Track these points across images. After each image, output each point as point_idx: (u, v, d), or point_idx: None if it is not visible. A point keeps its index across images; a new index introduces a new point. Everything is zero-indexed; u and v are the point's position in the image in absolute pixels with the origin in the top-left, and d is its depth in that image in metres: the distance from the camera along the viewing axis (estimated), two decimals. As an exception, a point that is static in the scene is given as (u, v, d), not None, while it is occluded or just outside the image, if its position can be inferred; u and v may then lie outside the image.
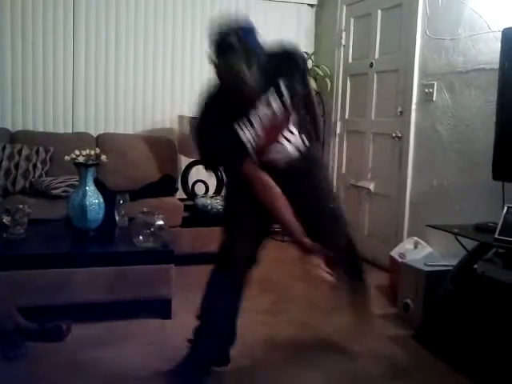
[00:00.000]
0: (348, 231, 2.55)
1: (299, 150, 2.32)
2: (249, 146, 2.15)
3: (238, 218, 2.32)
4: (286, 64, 2.22)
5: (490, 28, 3.13)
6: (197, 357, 2.31)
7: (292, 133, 2.29)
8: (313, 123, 2.52)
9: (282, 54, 2.25)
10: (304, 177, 2.34)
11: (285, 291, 3.32)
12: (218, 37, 2.01)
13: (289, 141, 2.28)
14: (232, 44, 1.97)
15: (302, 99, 2.35)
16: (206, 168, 2.50)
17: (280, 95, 2.17)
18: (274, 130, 2.23)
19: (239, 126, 2.13)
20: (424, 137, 3.70)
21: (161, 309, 2.99)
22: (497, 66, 2.75)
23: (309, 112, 2.48)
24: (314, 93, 2.65)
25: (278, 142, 2.26)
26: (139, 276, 2.93)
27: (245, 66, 1.99)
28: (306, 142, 2.36)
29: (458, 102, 3.40)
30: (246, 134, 2.14)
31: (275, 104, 2.17)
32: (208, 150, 2.25)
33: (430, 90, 3.60)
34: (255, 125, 2.15)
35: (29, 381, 2.32)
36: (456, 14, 3.39)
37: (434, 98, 3.58)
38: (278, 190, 2.17)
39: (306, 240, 2.15)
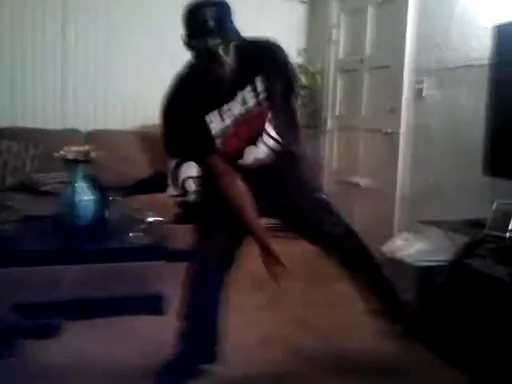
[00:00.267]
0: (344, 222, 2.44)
1: (274, 151, 2.16)
2: (217, 141, 2.04)
3: (212, 216, 2.23)
4: (268, 62, 2.06)
5: (480, 24, 3.14)
6: (181, 357, 2.29)
7: (269, 135, 2.14)
8: (292, 128, 2.32)
9: (265, 49, 2.10)
10: (280, 174, 2.21)
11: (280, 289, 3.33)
12: (192, 12, 1.86)
13: (265, 143, 2.14)
14: (207, 21, 1.81)
15: (284, 102, 2.19)
16: (170, 155, 2.37)
17: (257, 94, 2.03)
18: (249, 131, 2.09)
19: (209, 118, 2.02)
20: (415, 133, 3.72)
21: (153, 305, 2.98)
22: (487, 62, 2.76)
23: (289, 118, 2.27)
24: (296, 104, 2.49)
25: (254, 144, 2.11)
26: (131, 272, 2.92)
27: (221, 49, 1.86)
28: (281, 141, 2.18)
29: (449, 99, 3.41)
30: (216, 129, 2.03)
31: (251, 102, 2.03)
32: (174, 138, 2.15)
33: (421, 87, 3.61)
34: (227, 120, 2.03)
35: (23, 379, 2.30)
36: (447, 10, 3.40)
37: (425, 94, 3.59)
38: (241, 188, 2.08)
39: (268, 241, 2.12)
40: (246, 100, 2.03)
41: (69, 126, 4.48)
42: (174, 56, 4.69)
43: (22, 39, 4.34)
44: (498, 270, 2.51)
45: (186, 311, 2.31)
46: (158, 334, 2.76)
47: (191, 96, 2.03)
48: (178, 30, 4.83)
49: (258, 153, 2.13)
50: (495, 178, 2.74)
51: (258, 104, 2.05)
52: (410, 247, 3.37)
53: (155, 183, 4.11)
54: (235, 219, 2.15)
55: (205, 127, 2.03)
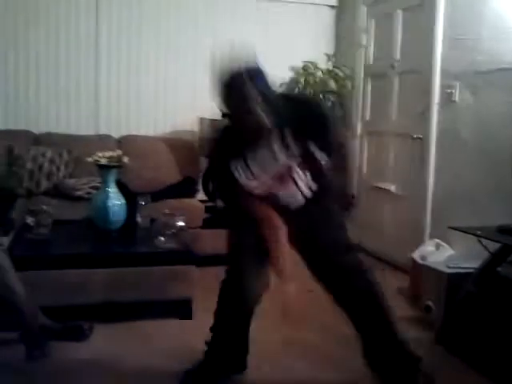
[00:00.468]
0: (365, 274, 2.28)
1: (309, 194, 2.22)
2: (246, 188, 2.14)
3: (243, 224, 2.24)
4: (302, 117, 2.10)
5: (512, 27, 3.09)
6: (210, 364, 2.33)
7: (301, 179, 2.19)
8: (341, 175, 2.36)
9: (301, 106, 2.17)
10: (311, 206, 2.24)
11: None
12: (228, 81, 1.97)
13: (298, 187, 2.19)
14: (244, 87, 1.93)
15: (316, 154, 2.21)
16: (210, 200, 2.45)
17: (286, 146, 2.10)
18: (279, 179, 2.16)
19: (236, 168, 2.12)
20: (446, 138, 3.67)
21: (182, 309, 3.01)
22: (520, 65, 2.72)
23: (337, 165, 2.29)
24: (346, 149, 2.39)
25: (286, 190, 2.18)
26: (160, 277, 2.95)
27: (259, 108, 1.96)
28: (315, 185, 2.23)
29: (481, 103, 3.36)
30: (242, 177, 2.13)
31: (280, 154, 2.11)
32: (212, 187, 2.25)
33: (452, 91, 3.57)
34: (253, 169, 2.13)
35: (52, 380, 2.35)
36: (478, 13, 3.36)
37: (456, 99, 3.55)
38: (283, 230, 2.12)
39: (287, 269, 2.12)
40: (274, 149, 2.10)
41: (101, 131, 4.56)
42: (205, 62, 4.78)
43: (56, 46, 4.45)
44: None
45: (218, 319, 2.34)
46: (186, 338, 2.79)
47: (225, 151, 2.17)
48: (211, 37, 4.86)
49: (293, 199, 2.19)
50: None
51: (287, 155, 2.11)
52: (440, 253, 3.34)
53: (184, 188, 4.15)
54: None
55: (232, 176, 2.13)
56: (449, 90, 3.60)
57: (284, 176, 2.16)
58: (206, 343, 2.35)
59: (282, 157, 2.12)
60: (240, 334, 2.37)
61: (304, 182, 2.20)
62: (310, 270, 2.27)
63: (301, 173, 2.18)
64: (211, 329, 2.36)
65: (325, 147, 2.20)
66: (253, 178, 2.13)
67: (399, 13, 4.21)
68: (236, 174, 2.13)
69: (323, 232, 2.24)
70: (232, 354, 2.36)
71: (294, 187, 2.18)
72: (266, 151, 2.11)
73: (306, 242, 2.23)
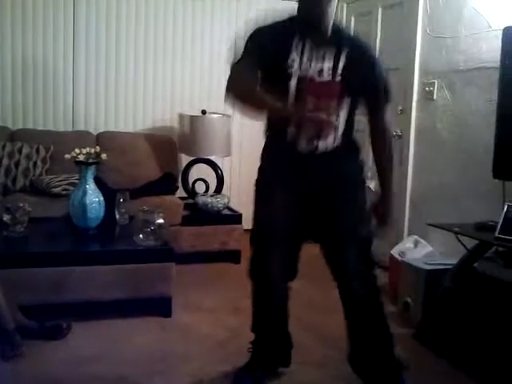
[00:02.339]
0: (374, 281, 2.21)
1: (336, 143, 2.07)
2: (293, 68, 1.97)
3: (269, 217, 2.14)
4: (359, 52, 2.06)
5: (490, 26, 3.12)
6: (253, 363, 2.34)
7: (336, 118, 2.03)
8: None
9: (363, 43, 2.13)
10: (336, 185, 2.10)
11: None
12: None
13: (330, 121, 2.00)
14: None
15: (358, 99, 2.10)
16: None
17: (336, 66, 1.99)
18: (316, 96, 1.98)
19: (296, 46, 1.99)
20: (425, 135, 3.70)
21: (161, 307, 3.00)
22: (498, 64, 2.74)
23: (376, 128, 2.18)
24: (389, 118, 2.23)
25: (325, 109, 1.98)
26: (139, 274, 2.93)
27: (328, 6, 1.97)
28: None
29: (459, 101, 3.39)
30: (296, 58, 1.98)
31: (328, 70, 1.98)
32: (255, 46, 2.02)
33: (431, 89, 3.60)
34: (307, 60, 1.98)
35: (28, 380, 2.32)
36: (456, 12, 3.39)
37: (435, 97, 3.58)
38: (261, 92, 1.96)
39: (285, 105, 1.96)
40: (326, 59, 1.99)
41: (79, 128, 4.51)
42: (184, 60, 4.77)
43: (33, 41, 4.37)
44: (507, 273, 2.50)
45: (255, 322, 2.33)
46: (165, 336, 2.78)
47: (283, 31, 2.04)
48: (189, 34, 4.84)
49: (321, 136, 2.03)
50: (506, 181, 2.72)
51: (333, 76, 1.99)
52: (419, 250, 3.37)
53: (164, 185, 4.13)
54: (297, 214, 2.10)
55: (286, 49, 1.99)
56: (428, 88, 3.63)
57: (319, 90, 1.99)
58: (251, 343, 2.35)
59: (327, 67, 1.99)
60: (281, 328, 2.34)
61: (336, 123, 2.03)
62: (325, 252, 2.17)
63: (336, 109, 2.03)
64: (252, 329, 2.34)
65: (370, 107, 2.13)
66: (308, 68, 1.98)
67: (379, 10, 4.22)
68: (293, 56, 1.97)
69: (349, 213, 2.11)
70: (277, 349, 2.35)
71: (327, 118, 1.99)
72: (323, 49, 2.00)
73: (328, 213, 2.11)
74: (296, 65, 1.99)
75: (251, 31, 2.06)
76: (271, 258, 2.17)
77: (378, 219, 2.22)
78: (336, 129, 2.05)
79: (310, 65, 2.00)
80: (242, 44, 2.05)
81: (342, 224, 2.11)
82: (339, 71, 2.00)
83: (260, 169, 2.22)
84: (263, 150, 2.22)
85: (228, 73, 2.06)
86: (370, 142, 2.23)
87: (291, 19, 2.09)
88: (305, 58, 2.00)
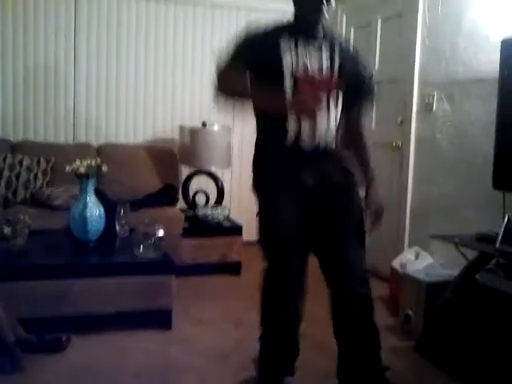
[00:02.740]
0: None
1: (334, 142, 2.12)
2: (287, 67, 2.02)
3: (281, 223, 2.12)
4: (350, 52, 2.20)
5: (489, 38, 3.14)
6: (260, 371, 2.32)
7: (330, 110, 2.09)
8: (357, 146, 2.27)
9: (350, 45, 2.28)
10: (337, 186, 2.14)
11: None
12: None
13: (328, 115, 2.07)
14: None
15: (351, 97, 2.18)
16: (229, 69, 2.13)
17: (332, 61, 2.09)
18: (316, 85, 2.03)
19: (287, 44, 2.05)
20: (424, 146, 3.71)
21: (161, 319, 2.98)
22: (497, 75, 2.76)
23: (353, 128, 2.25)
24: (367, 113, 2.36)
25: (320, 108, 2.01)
26: (139, 287, 2.92)
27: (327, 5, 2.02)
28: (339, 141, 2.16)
29: (458, 112, 3.40)
30: (288, 62, 2.03)
31: (325, 63, 2.08)
32: (245, 51, 2.08)
33: (431, 100, 3.61)
34: (300, 61, 2.05)
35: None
36: (455, 23, 3.40)
37: (435, 108, 3.59)
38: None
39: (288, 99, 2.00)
40: (321, 58, 2.08)
41: (80, 140, 4.52)
42: (185, 72, 4.79)
43: (34, 53, 4.40)
44: (508, 285, 2.49)
45: (264, 325, 2.30)
46: (166, 349, 2.76)
47: (274, 32, 2.10)
48: (189, 47, 4.86)
49: (321, 122, 2.07)
50: (506, 192, 2.72)
51: (331, 73, 2.08)
52: (420, 262, 3.36)
53: (164, 197, 4.13)
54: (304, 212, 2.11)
55: (276, 50, 2.04)
56: (427, 99, 3.64)
57: (319, 83, 2.05)
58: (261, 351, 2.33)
59: (325, 62, 2.08)
60: (292, 335, 2.33)
61: (334, 117, 2.10)
62: (319, 255, 2.19)
63: (333, 106, 2.10)
64: (261, 338, 2.31)
65: (354, 104, 2.21)
66: (298, 63, 2.04)
67: (378, 22, 4.25)
68: (284, 55, 2.03)
69: (347, 212, 2.16)
70: (285, 357, 2.33)
71: (326, 113, 2.06)
72: (316, 48, 2.09)
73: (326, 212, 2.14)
74: (290, 64, 2.04)
75: (241, 36, 2.11)
76: (289, 268, 2.17)
77: (372, 213, 2.24)
78: (329, 118, 2.10)
79: (307, 63, 2.05)
80: (230, 48, 2.11)
81: (345, 224, 2.15)
82: (336, 69, 2.09)
83: (259, 169, 2.20)
84: (259, 148, 2.20)
85: (215, 72, 2.15)
86: (349, 138, 2.26)
87: (283, 23, 2.15)
88: (300, 58, 2.05)
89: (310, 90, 1.98)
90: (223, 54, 2.11)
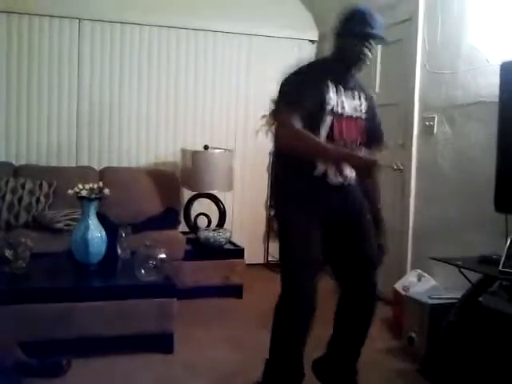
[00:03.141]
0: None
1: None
2: (330, 106, 2.16)
3: (298, 239, 2.23)
4: (370, 97, 2.39)
5: (488, 62, 3.17)
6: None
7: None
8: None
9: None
10: (355, 212, 2.34)
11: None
12: (373, 15, 2.17)
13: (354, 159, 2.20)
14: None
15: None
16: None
17: (361, 106, 2.29)
18: (351, 129, 2.24)
19: (331, 86, 2.18)
20: (426, 169, 3.72)
21: (162, 343, 2.96)
22: (496, 99, 2.78)
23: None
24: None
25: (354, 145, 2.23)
26: (141, 310, 2.91)
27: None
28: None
29: (459, 135, 3.42)
30: (332, 97, 2.17)
31: (358, 109, 2.27)
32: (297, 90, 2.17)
33: (431, 123, 3.63)
34: (342, 100, 2.20)
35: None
36: (455, 48, 3.44)
37: (435, 131, 3.61)
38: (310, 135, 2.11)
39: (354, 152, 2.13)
40: (356, 103, 2.28)
41: (82, 163, 4.54)
42: (187, 96, 4.83)
43: (38, 77, 4.45)
44: (511, 307, 2.47)
45: (273, 345, 2.32)
46: (167, 373, 2.74)
47: (322, 70, 2.26)
48: (192, 70, 4.91)
49: (347, 174, 2.25)
50: (508, 214, 2.72)
51: (361, 114, 2.29)
52: (423, 284, 3.35)
53: (166, 220, 4.13)
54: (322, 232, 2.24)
55: (322, 90, 2.17)
56: (428, 123, 3.66)
57: (352, 126, 2.25)
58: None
59: (358, 108, 2.28)
60: (300, 356, 2.35)
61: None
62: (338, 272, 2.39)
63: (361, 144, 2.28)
64: (270, 358, 2.32)
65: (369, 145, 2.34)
66: (340, 103, 2.20)
67: (378, 47, 4.28)
68: (327, 89, 2.16)
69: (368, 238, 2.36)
70: (292, 378, 2.34)
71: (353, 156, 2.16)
72: (352, 92, 2.27)
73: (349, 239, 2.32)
74: (333, 102, 2.17)
75: (289, 77, 2.22)
76: (311, 286, 2.24)
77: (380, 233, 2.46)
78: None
79: (345, 103, 2.22)
80: (283, 91, 2.21)
81: (367, 248, 2.36)
82: (363, 110, 2.31)
83: (287, 193, 2.30)
84: (287, 174, 2.31)
85: (276, 121, 2.29)
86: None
87: (324, 61, 2.41)
88: (341, 97, 2.22)
89: (346, 132, 2.20)
90: (280, 98, 2.21)
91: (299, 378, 2.34)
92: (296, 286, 2.22)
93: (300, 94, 2.13)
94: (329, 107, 2.17)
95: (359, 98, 2.30)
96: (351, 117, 2.24)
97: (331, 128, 2.18)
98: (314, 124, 2.14)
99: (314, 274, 2.24)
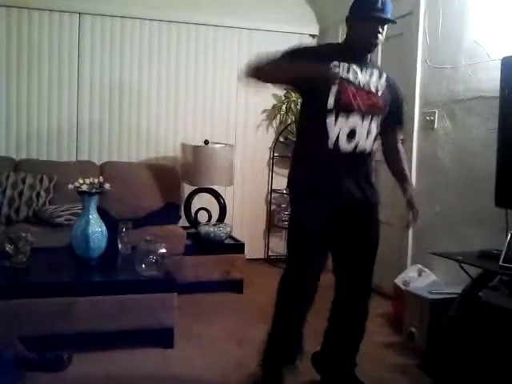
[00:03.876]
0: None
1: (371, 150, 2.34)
2: (332, 78, 2.15)
3: (306, 230, 2.29)
4: (394, 83, 2.42)
5: (489, 56, 3.16)
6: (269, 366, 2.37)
7: (371, 128, 2.29)
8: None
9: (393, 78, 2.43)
10: (364, 203, 2.38)
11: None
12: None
13: (369, 129, 2.27)
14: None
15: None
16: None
17: (380, 85, 2.30)
18: (363, 99, 2.24)
19: (339, 63, 2.20)
20: (426, 164, 3.71)
21: (163, 338, 2.97)
22: (497, 93, 2.78)
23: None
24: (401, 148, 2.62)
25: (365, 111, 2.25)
26: (141, 305, 2.91)
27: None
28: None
29: (460, 130, 3.41)
30: (337, 64, 2.19)
31: (374, 85, 2.28)
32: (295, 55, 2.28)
33: (432, 118, 3.63)
34: (351, 76, 2.22)
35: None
36: (456, 42, 3.43)
37: (436, 126, 3.60)
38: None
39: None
40: (372, 80, 2.29)
41: (83, 158, 4.54)
42: (187, 90, 4.82)
43: (38, 72, 4.44)
44: (511, 302, 2.48)
45: (276, 320, 2.36)
46: (168, 367, 2.75)
47: (327, 51, 2.34)
48: (192, 64, 4.89)
49: (361, 133, 2.26)
50: (508, 209, 2.72)
51: (376, 91, 2.29)
52: (423, 279, 3.35)
53: (166, 214, 4.13)
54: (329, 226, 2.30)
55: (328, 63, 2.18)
56: (428, 118, 3.66)
57: (366, 99, 2.25)
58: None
59: (374, 85, 2.28)
60: (299, 331, 2.39)
61: (373, 133, 2.30)
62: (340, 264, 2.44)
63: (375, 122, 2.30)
64: (270, 334, 2.36)
65: (390, 128, 2.45)
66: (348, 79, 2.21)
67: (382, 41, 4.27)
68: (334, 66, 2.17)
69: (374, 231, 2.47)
70: (292, 351, 2.38)
71: (368, 127, 2.27)
72: (368, 73, 2.28)
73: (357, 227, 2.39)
74: (338, 69, 2.18)
75: (294, 47, 2.33)
76: (316, 266, 2.31)
77: (413, 213, 2.58)
78: (369, 133, 2.30)
79: (357, 74, 2.25)
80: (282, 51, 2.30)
81: (372, 240, 2.47)
82: (381, 90, 2.31)
83: (300, 179, 2.36)
84: (300, 157, 2.38)
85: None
86: (386, 156, 2.60)
87: (334, 45, 2.48)
88: (352, 68, 2.24)
89: (359, 99, 2.22)
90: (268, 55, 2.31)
91: (299, 352, 2.39)
92: (302, 259, 2.30)
93: (298, 54, 2.27)
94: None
95: (379, 78, 2.31)
96: (363, 88, 2.25)
97: (339, 93, 2.19)
98: (321, 94, 2.19)
99: (320, 252, 2.31)
